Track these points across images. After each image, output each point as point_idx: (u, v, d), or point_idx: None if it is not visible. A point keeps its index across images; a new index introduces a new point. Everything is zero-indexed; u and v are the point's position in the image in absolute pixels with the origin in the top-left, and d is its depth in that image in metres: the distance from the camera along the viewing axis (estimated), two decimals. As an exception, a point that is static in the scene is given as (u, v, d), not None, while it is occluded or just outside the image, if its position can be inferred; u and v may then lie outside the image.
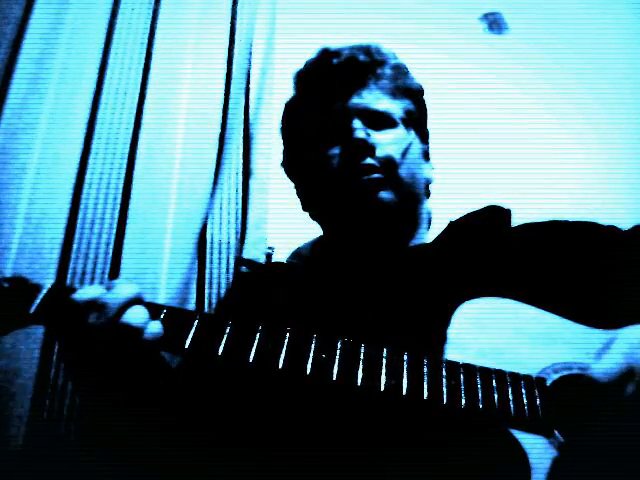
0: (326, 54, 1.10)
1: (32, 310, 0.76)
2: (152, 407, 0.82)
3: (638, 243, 0.95)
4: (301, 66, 1.17)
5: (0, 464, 1.21)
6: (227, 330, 0.75)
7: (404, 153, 1.03)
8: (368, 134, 1.01)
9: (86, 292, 0.76)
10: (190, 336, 0.74)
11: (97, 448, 0.89)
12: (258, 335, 0.75)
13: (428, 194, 1.14)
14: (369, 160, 0.99)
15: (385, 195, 0.99)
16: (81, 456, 1.18)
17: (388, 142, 1.03)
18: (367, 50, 1.09)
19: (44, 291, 0.78)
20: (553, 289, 0.88)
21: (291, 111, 1.18)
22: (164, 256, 1.43)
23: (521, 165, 1.91)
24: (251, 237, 1.50)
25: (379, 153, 1.00)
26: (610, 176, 1.93)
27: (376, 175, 0.99)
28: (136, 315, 0.74)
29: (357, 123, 1.02)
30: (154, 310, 0.77)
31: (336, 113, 1.05)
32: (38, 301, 0.76)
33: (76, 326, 0.75)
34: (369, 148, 1.00)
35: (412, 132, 1.09)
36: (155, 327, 0.74)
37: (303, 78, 1.15)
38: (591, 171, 1.94)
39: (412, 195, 1.05)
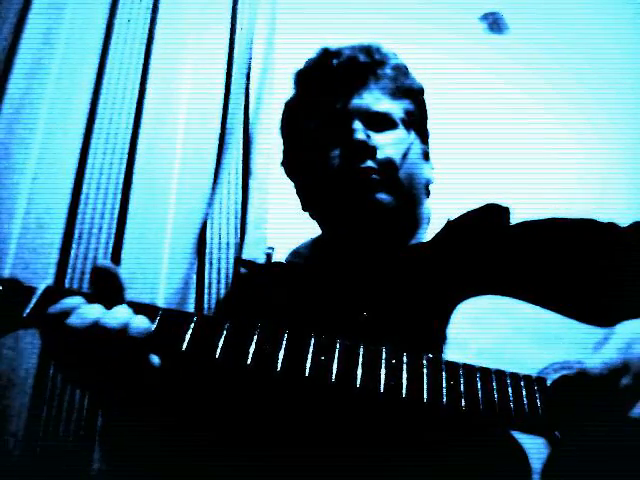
0: (326, 54, 1.10)
1: (26, 313, 0.74)
2: (150, 407, 0.82)
3: (637, 239, 0.95)
4: (301, 66, 1.16)
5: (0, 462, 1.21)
6: (224, 332, 0.74)
7: (404, 155, 1.02)
8: (368, 135, 1.01)
9: (84, 315, 0.73)
10: (187, 338, 0.73)
11: (97, 446, 0.88)
12: (255, 337, 0.74)
13: (428, 194, 1.14)
14: (369, 162, 0.99)
15: (383, 196, 0.99)
16: (81, 454, 1.18)
17: (388, 143, 1.02)
18: (367, 50, 1.08)
19: (38, 293, 0.76)
20: (553, 287, 0.88)
21: (291, 111, 1.18)
22: (164, 255, 1.43)
23: (521, 165, 1.90)
24: (251, 237, 1.50)
25: (379, 155, 1.00)
26: (609, 175, 1.93)
27: (374, 176, 0.99)
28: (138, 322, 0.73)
29: (358, 124, 1.02)
30: (149, 312, 0.75)
31: (337, 114, 1.04)
32: (32, 304, 0.75)
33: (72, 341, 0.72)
34: (369, 150, 1.00)
35: (412, 133, 1.09)
36: (142, 322, 0.73)
37: (303, 78, 1.15)
38: (590, 170, 1.94)
39: (411, 197, 1.05)
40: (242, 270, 1.39)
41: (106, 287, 0.77)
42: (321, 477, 0.77)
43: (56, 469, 1.19)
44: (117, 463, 0.87)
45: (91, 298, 0.75)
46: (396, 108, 1.07)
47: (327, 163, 1.03)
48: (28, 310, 0.74)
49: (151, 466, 0.84)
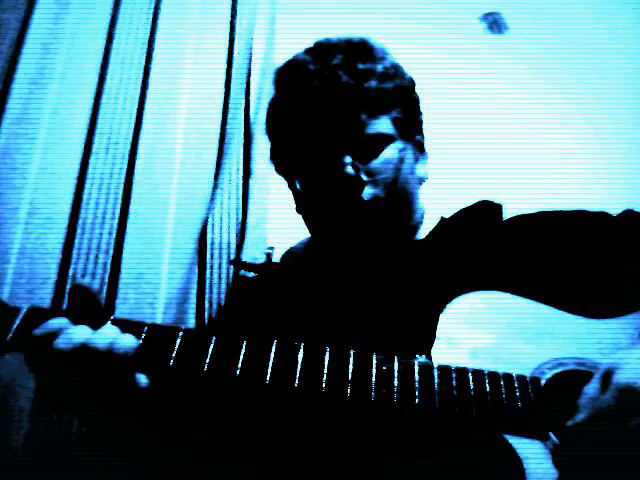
0: (305, 74, 0.99)
1: (9, 337, 0.71)
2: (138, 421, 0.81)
3: (630, 227, 0.95)
4: (282, 67, 1.08)
5: (1, 463, 1.21)
6: (210, 346, 0.73)
7: (396, 173, 0.98)
8: (358, 168, 0.95)
9: (72, 337, 0.71)
10: (174, 355, 0.72)
11: (98, 448, 0.88)
12: (243, 350, 0.73)
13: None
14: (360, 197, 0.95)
15: (370, 192, 0.96)
16: (82, 455, 1.18)
17: (380, 166, 0.97)
18: (351, 61, 0.98)
19: (21, 314, 0.73)
20: (547, 280, 0.88)
21: (275, 115, 1.09)
22: (164, 257, 1.43)
23: (520, 165, 1.91)
24: (251, 237, 1.50)
25: (366, 194, 0.95)
26: (609, 175, 1.93)
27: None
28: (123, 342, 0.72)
29: (347, 158, 0.95)
30: (135, 329, 0.74)
31: (323, 144, 0.97)
32: (15, 326, 0.72)
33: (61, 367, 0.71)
34: (360, 183, 0.95)
35: (406, 143, 1.02)
36: (129, 341, 0.72)
37: (283, 95, 1.06)
38: (590, 170, 1.94)
39: (405, 204, 1.02)
40: (241, 272, 1.38)
41: (84, 306, 0.75)
42: (321, 477, 0.77)
43: (56, 469, 1.19)
44: (117, 463, 0.86)
45: (75, 318, 0.73)
46: (385, 124, 0.99)
47: (315, 183, 0.99)
48: (11, 334, 0.72)
49: (150, 466, 0.84)
